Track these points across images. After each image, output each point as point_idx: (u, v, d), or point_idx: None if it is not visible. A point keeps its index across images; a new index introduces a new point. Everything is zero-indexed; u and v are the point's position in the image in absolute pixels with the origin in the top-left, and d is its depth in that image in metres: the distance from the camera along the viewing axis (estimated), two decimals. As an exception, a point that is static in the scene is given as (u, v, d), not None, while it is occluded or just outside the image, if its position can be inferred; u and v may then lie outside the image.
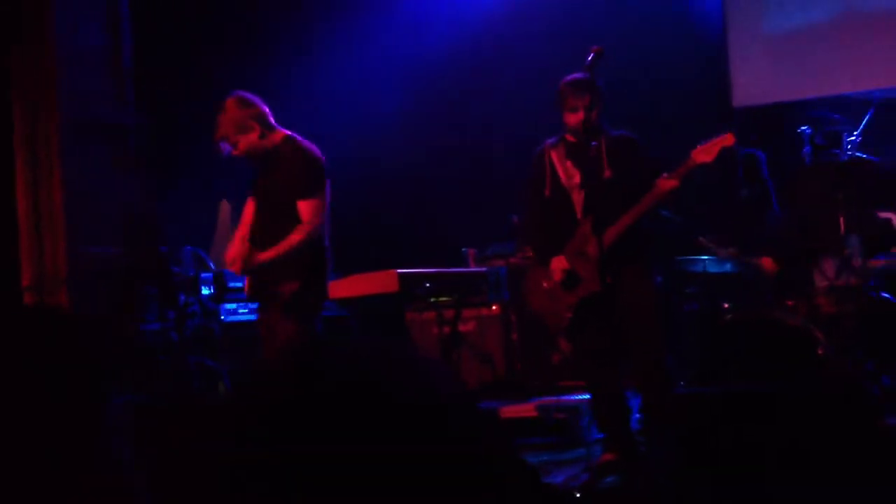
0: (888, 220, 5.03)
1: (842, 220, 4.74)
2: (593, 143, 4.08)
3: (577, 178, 4.19)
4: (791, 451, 3.26)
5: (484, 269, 5.44)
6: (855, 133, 5.81)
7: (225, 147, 4.01)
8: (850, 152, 5.71)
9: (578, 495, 3.70)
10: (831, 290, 4.48)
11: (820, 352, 3.90)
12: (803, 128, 5.85)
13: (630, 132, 4.31)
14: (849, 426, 3.38)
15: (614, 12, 6.39)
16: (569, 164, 4.21)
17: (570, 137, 4.23)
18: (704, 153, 3.98)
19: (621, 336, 4.08)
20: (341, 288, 4.35)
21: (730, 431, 3.30)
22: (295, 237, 3.91)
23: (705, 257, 5.14)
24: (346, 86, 6.83)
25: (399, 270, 4.31)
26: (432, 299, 5.16)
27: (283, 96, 4.86)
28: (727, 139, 3.99)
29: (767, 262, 4.90)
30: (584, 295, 4.10)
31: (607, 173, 4.11)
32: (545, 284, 4.22)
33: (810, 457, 3.15)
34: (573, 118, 4.12)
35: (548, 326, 4.45)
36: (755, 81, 6.34)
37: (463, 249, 5.93)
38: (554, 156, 4.24)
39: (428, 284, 4.57)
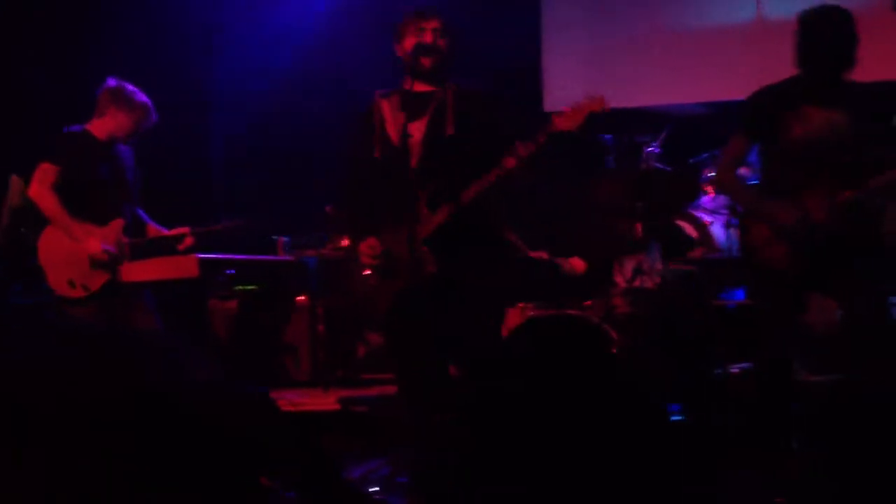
0: (681, 228, 5.34)
1: (640, 226, 4.95)
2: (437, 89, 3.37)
3: (417, 135, 3.45)
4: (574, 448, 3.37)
5: (292, 258, 5.33)
6: (654, 144, 6.11)
7: None
8: (649, 162, 5.99)
9: (377, 489, 3.67)
10: (627, 291, 4.67)
11: (613, 350, 4.05)
12: (606, 136, 6.09)
13: (494, 88, 3.58)
14: (634, 422, 3.53)
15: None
16: (403, 116, 3.45)
17: (408, 84, 3.50)
18: (568, 119, 3.34)
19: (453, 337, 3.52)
20: (137, 271, 4.14)
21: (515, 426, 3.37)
22: None
23: (511, 254, 5.24)
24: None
25: (199, 255, 4.14)
26: (237, 287, 5.01)
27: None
28: (597, 102, 3.39)
29: (577, 263, 5.03)
30: (406, 285, 3.45)
31: (450, 129, 3.40)
32: (364, 270, 3.56)
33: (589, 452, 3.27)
34: (414, 42, 3.45)
35: (363, 318, 4.23)
36: (566, 88, 6.54)
37: (273, 237, 5.80)
38: (385, 107, 3.51)
39: (231, 271, 4.41)
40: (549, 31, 6.44)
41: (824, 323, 3.97)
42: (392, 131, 3.48)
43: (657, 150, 6.08)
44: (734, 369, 4.50)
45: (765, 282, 3.63)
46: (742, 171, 4.35)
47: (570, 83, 6.51)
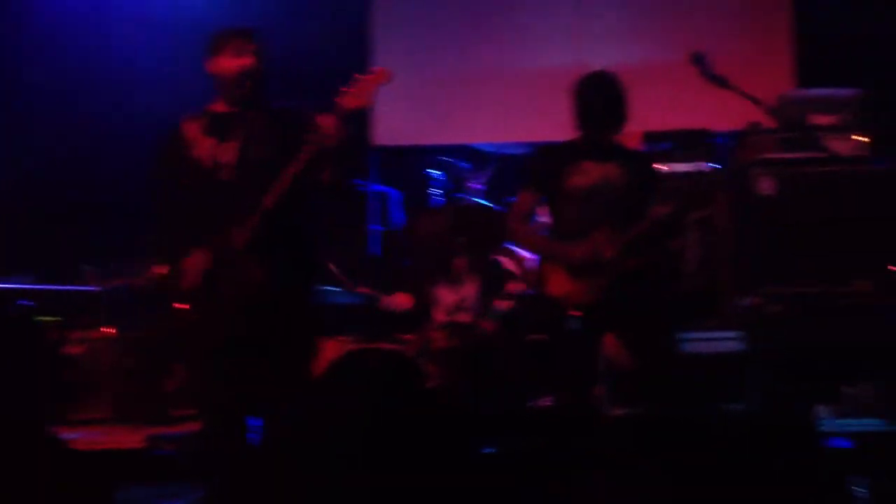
0: (500, 263, 5.41)
1: (463, 260, 5.00)
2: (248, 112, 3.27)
3: (227, 158, 3.34)
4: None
5: (100, 288, 5.07)
6: (479, 181, 6.21)
7: None
8: (473, 198, 6.09)
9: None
10: (445, 325, 4.68)
11: (427, 384, 4.04)
12: (432, 171, 6.15)
13: (309, 105, 3.42)
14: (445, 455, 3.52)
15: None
16: (213, 139, 3.35)
17: (218, 106, 3.42)
18: (355, 96, 3.21)
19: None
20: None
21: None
22: None
23: (334, 288, 5.16)
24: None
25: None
26: (37, 318, 4.71)
27: None
28: (381, 75, 3.24)
29: (402, 299, 5.02)
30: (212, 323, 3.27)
31: (262, 151, 3.29)
32: (177, 302, 3.33)
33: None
34: (235, 64, 3.33)
35: (173, 351, 4.08)
36: (394, 122, 6.57)
37: (82, 266, 5.51)
38: (191, 130, 3.39)
39: (29, 302, 4.14)
40: (379, 63, 6.45)
41: (623, 358, 4.11)
42: (201, 154, 3.36)
43: (482, 187, 6.18)
44: (545, 402, 4.57)
45: (565, 320, 3.75)
46: None
47: (397, 116, 6.53)
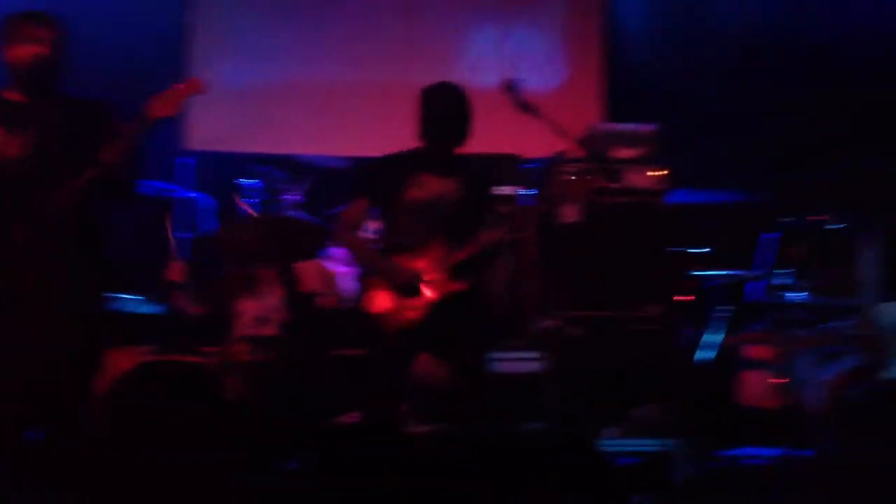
0: (302, 274, 5.35)
1: (269, 272, 4.91)
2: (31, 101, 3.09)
3: (15, 149, 3.19)
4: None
5: None
6: (297, 192, 6.13)
7: None
8: (289, 210, 6.01)
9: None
10: (249, 338, 4.59)
11: (226, 397, 3.96)
12: (248, 181, 6.02)
13: (110, 99, 3.33)
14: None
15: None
16: (1, 131, 3.19)
17: (10, 94, 3.24)
18: (164, 106, 3.15)
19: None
20: None
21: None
22: None
23: (130, 296, 4.97)
24: None
25: None
26: None
27: None
28: (191, 85, 3.21)
29: (382, 299, 4.87)
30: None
31: (48, 143, 3.09)
32: None
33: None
34: (27, 51, 3.15)
35: None
36: (209, 128, 6.41)
37: None
38: None
39: None
40: (195, 70, 6.28)
41: (432, 376, 4.15)
42: None
43: (299, 199, 6.11)
44: (350, 418, 4.56)
45: (379, 335, 3.76)
46: None
47: (214, 121, 6.38)
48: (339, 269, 5.52)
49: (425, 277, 3.65)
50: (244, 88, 6.52)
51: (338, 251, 5.56)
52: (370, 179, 3.83)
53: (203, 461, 3.53)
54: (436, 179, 3.71)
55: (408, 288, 3.66)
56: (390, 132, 6.33)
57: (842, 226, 4.48)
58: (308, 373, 4.57)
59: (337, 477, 4.20)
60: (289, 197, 6.06)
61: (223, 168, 6.43)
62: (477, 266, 3.79)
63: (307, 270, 5.42)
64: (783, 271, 4.58)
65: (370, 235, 5.58)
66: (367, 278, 3.79)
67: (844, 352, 4.36)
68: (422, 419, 4.29)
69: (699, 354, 4.80)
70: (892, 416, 3.73)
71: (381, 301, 3.73)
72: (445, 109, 3.74)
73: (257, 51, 6.63)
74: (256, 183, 6.14)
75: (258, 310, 4.67)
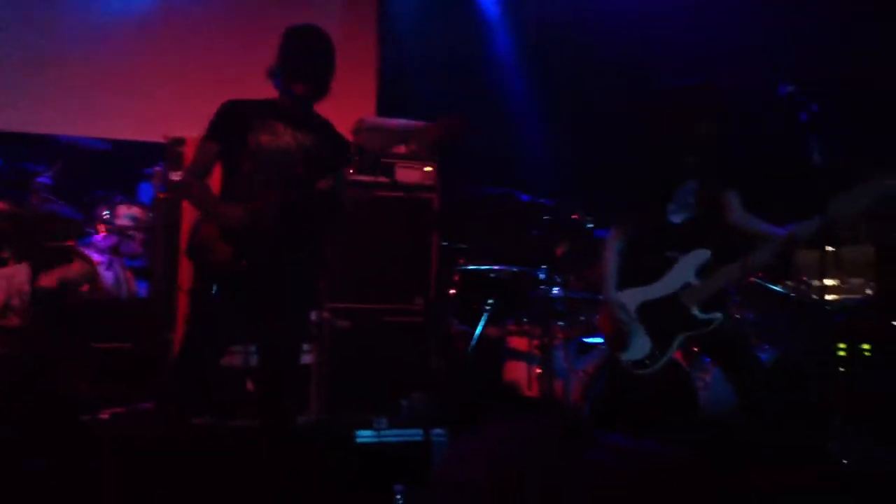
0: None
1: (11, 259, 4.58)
2: None
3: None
4: None
5: None
6: (47, 175, 5.74)
7: None
8: (39, 194, 5.62)
9: None
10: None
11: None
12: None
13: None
14: None
15: None
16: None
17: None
18: None
19: None
20: None
21: None
22: None
23: None
24: None
25: None
26: None
27: None
28: None
29: None
30: None
31: None
32: None
33: None
34: None
35: None
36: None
37: None
38: None
39: None
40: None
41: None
42: None
43: (50, 182, 5.73)
44: (106, 414, 4.33)
45: (207, 277, 3.52)
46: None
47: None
48: (98, 257, 5.22)
49: (256, 223, 3.41)
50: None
51: (98, 239, 5.25)
52: (218, 121, 3.53)
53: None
54: (290, 131, 3.52)
55: (236, 232, 3.42)
56: (148, 114, 6.09)
57: (592, 225, 4.76)
58: (59, 366, 4.28)
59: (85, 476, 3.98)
60: (40, 180, 5.68)
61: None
62: (312, 217, 3.58)
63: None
64: (546, 267, 4.79)
65: (126, 223, 5.33)
66: (199, 221, 3.51)
67: (597, 343, 4.64)
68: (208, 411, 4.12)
69: (467, 346, 4.94)
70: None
71: (211, 244, 3.46)
72: (306, 51, 3.53)
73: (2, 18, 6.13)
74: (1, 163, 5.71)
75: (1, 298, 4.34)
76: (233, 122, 3.52)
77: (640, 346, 3.73)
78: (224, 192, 3.63)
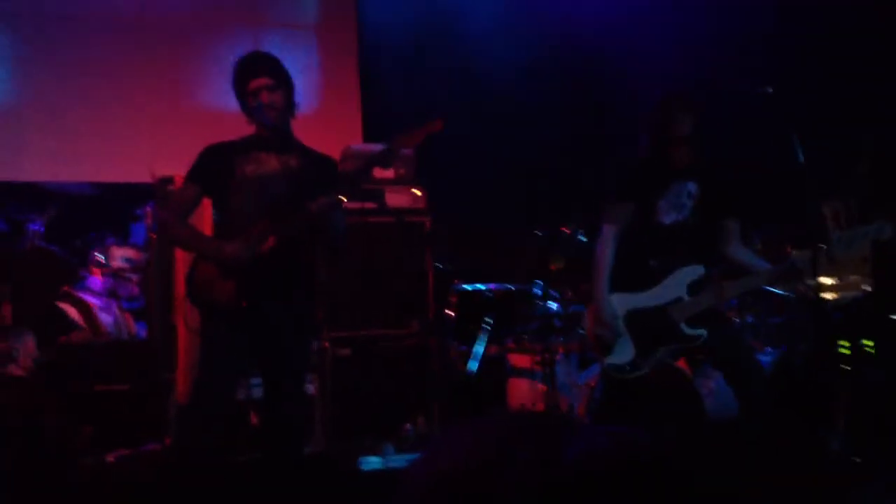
0: (64, 312, 5.00)
1: (9, 310, 4.57)
2: None
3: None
4: None
5: None
6: (39, 223, 5.75)
7: None
8: (33, 241, 5.62)
9: None
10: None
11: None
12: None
13: None
14: None
15: None
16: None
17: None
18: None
19: None
20: None
21: None
22: None
23: None
24: None
25: None
26: None
27: None
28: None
29: None
30: None
31: None
32: None
33: None
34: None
35: None
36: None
37: None
38: None
39: None
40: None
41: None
42: None
43: (41, 230, 5.74)
44: (111, 457, 4.32)
45: (211, 318, 3.51)
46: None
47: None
48: (94, 301, 5.19)
49: (253, 254, 3.39)
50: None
51: (93, 282, 5.23)
52: (199, 164, 3.54)
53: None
54: (273, 156, 3.54)
55: (233, 262, 3.40)
56: (132, 155, 6.06)
57: (586, 238, 4.74)
58: (53, 414, 4.26)
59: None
60: (32, 227, 5.68)
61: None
62: (304, 245, 3.55)
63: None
64: (541, 281, 4.79)
65: (122, 265, 5.32)
66: (197, 261, 3.51)
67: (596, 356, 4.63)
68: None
69: (468, 365, 4.93)
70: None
71: (211, 283, 3.45)
72: (248, 55, 3.55)
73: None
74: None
75: (6, 349, 4.33)
76: (215, 162, 3.54)
77: (624, 351, 3.73)
78: (217, 231, 3.65)
